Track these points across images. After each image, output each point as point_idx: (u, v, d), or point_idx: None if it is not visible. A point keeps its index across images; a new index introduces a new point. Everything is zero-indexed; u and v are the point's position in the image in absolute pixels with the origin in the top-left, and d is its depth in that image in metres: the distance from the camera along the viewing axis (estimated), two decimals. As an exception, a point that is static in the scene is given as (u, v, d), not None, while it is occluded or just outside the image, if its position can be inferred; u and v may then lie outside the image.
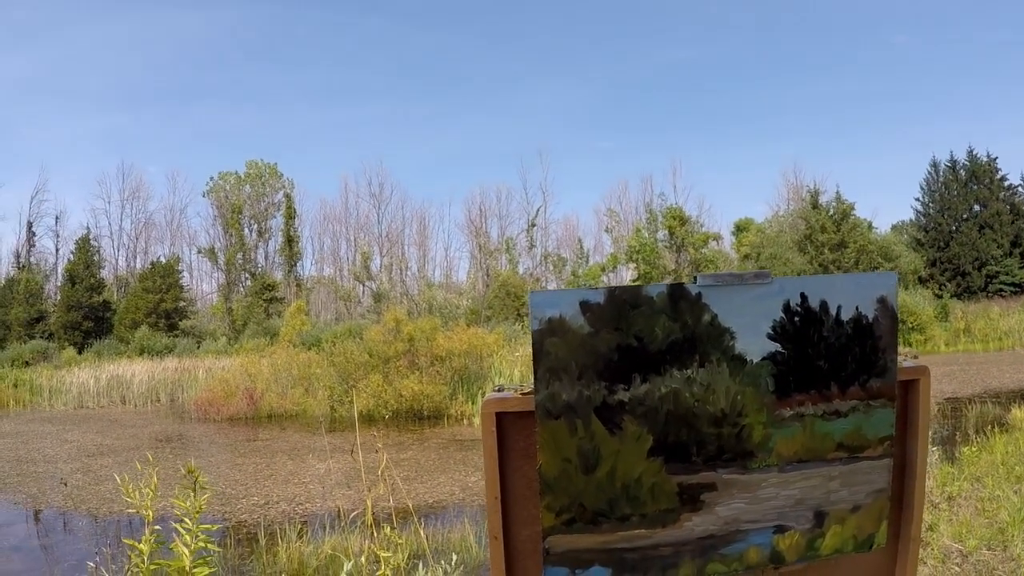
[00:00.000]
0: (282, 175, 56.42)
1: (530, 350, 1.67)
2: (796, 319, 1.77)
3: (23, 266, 53.13)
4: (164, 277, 48.66)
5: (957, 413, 14.78)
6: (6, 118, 77.06)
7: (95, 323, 47.05)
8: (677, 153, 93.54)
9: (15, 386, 30.03)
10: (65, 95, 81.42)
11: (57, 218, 57.51)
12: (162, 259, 53.38)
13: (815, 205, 46.97)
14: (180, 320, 48.00)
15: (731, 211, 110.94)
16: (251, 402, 22.01)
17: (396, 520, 6.21)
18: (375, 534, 4.30)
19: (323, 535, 7.97)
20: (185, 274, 56.44)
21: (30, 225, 55.61)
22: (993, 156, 50.67)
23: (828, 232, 44.53)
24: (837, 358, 1.80)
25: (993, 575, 5.25)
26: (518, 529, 1.84)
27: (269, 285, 51.33)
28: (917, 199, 53.16)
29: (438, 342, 21.37)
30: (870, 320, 1.82)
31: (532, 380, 1.68)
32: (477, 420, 1.71)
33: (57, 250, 56.73)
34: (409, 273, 60.93)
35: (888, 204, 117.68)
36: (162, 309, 46.64)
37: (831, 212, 45.78)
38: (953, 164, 51.82)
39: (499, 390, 1.85)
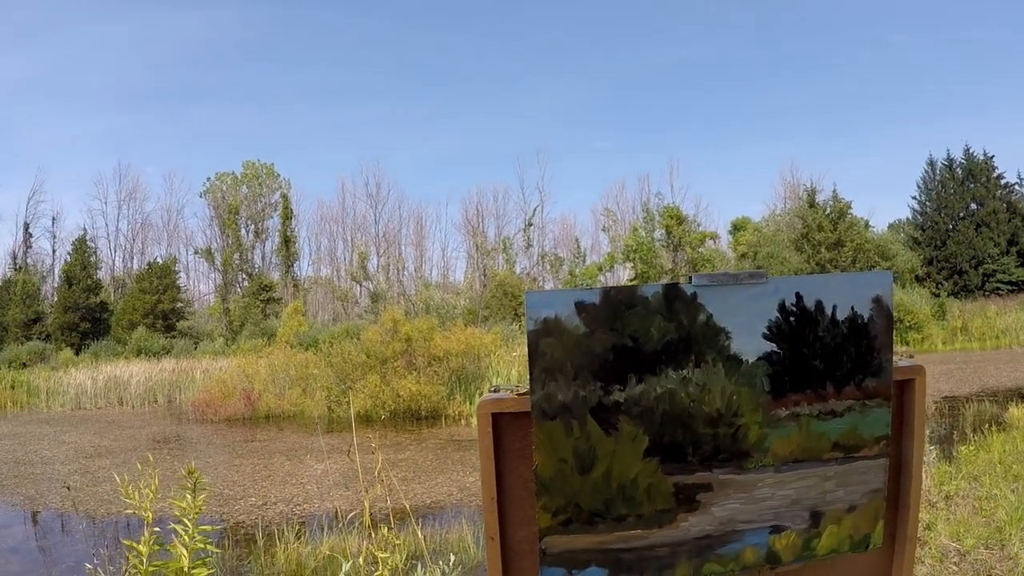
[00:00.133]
0: (279, 175, 56.49)
1: (527, 350, 1.67)
2: (791, 319, 1.77)
3: (20, 267, 53.05)
4: (161, 278, 48.66)
5: (954, 412, 14.80)
6: (3, 118, 77.05)
7: (92, 324, 47.04)
8: (674, 152, 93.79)
9: (12, 388, 30.02)
10: (62, 95, 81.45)
11: (54, 219, 57.63)
12: (159, 260, 53.39)
13: (812, 204, 47.06)
14: (177, 321, 48.01)
15: (728, 210, 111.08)
16: (248, 403, 21.99)
17: (394, 521, 6.21)
18: (373, 535, 4.29)
19: (321, 536, 7.95)
20: (182, 275, 56.57)
21: (27, 226, 55.60)
22: (990, 154, 50.83)
23: (825, 231, 44.60)
24: (832, 358, 1.80)
25: (991, 574, 5.25)
26: (514, 530, 1.84)
27: (266, 286, 51.33)
28: (914, 198, 53.38)
29: (435, 342, 21.36)
30: (865, 319, 1.82)
31: (528, 380, 1.69)
32: (475, 420, 1.71)
33: (54, 251, 56.81)
34: (406, 273, 61.04)
35: (885, 203, 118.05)
36: (159, 310, 46.63)
37: (828, 211, 45.85)
38: (950, 163, 51.91)
39: (495, 391, 1.84)
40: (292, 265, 55.07)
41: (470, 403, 19.45)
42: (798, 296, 1.78)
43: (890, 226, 56.33)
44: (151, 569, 3.26)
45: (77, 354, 39.68)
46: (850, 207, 45.72)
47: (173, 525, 3.33)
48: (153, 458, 3.96)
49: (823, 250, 43.98)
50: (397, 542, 4.28)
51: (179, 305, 50.00)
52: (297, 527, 8.48)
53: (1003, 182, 50.34)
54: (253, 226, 55.75)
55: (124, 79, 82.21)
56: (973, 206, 50.00)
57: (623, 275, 51.59)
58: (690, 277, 1.73)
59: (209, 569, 3.36)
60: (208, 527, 3.47)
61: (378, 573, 3.87)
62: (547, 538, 1.70)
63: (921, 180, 52.96)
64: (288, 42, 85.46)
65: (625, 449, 1.70)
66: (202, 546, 3.36)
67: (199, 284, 62.38)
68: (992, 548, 5.72)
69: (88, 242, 51.60)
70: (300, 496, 11.09)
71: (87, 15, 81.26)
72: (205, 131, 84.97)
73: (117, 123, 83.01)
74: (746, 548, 1.80)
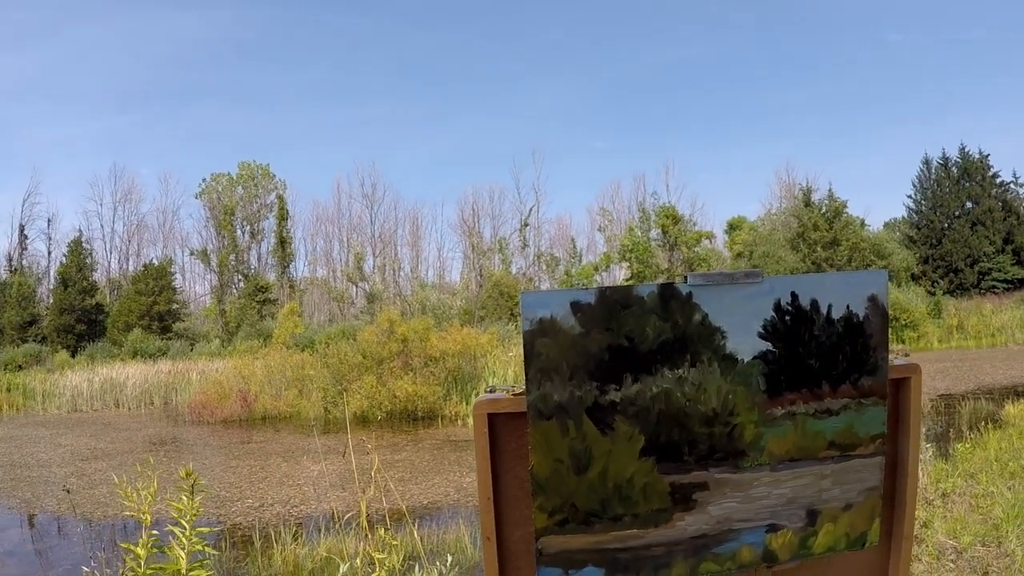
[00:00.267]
0: (274, 176, 56.43)
1: (523, 350, 1.67)
2: (787, 318, 1.77)
3: (15, 269, 52.92)
4: (157, 279, 48.56)
5: (950, 410, 14.84)
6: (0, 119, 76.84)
7: (88, 326, 46.95)
8: (673, 152, 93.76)
9: (8, 390, 29.98)
10: (57, 96, 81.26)
11: (49, 221, 57.44)
12: (155, 261, 53.31)
13: (808, 203, 47.15)
14: (173, 322, 47.94)
15: (724, 210, 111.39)
16: (245, 404, 21.97)
17: (391, 522, 6.20)
18: (370, 536, 4.29)
19: (318, 537, 7.95)
20: (178, 276, 56.49)
21: (22, 228, 55.49)
22: (985, 153, 50.91)
23: (821, 230, 44.68)
24: (828, 357, 1.80)
25: (988, 571, 5.27)
26: (511, 530, 1.84)
27: (262, 287, 51.31)
28: (909, 196, 53.39)
29: (432, 343, 21.35)
30: (861, 318, 1.82)
31: (524, 381, 1.69)
32: (471, 421, 1.71)
33: (49, 253, 56.70)
34: (402, 274, 61.04)
35: (881, 202, 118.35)
36: (155, 311, 46.54)
37: (824, 210, 45.94)
38: (945, 161, 51.98)
39: (491, 391, 1.85)
40: (288, 266, 55.09)
41: (466, 404, 19.45)
42: (793, 295, 1.78)
43: (886, 225, 56.45)
44: (149, 572, 3.26)
45: (73, 356, 39.60)
46: (846, 206, 45.84)
47: (170, 527, 3.33)
48: (151, 460, 3.96)
49: (819, 249, 44.05)
50: (394, 543, 4.28)
51: (175, 307, 49.91)
52: (294, 528, 8.48)
53: (998, 181, 50.45)
54: (249, 227, 55.70)
55: (120, 80, 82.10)
56: (968, 205, 50.09)
57: (619, 275, 51.67)
58: (685, 277, 1.73)
59: (207, 571, 3.35)
60: (205, 529, 3.46)
61: (375, 574, 3.87)
62: (543, 538, 1.70)
63: (916, 179, 53.11)
64: (284, 42, 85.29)
65: (621, 449, 1.70)
66: (199, 548, 3.35)
67: (195, 285, 62.42)
68: (989, 545, 5.73)
69: (84, 244, 51.50)
70: (297, 497, 11.09)
71: (83, 16, 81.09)
72: (201, 132, 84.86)
73: (113, 124, 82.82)
74: (742, 547, 1.80)
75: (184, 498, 3.31)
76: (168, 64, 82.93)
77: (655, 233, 50.37)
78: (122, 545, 3.56)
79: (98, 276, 54.29)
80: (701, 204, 77.23)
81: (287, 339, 32.56)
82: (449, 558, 5.31)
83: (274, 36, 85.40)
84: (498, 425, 1.81)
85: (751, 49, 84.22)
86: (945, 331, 34.96)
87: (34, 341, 43.53)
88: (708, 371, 1.73)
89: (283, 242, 54.16)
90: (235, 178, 55.27)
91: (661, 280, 37.21)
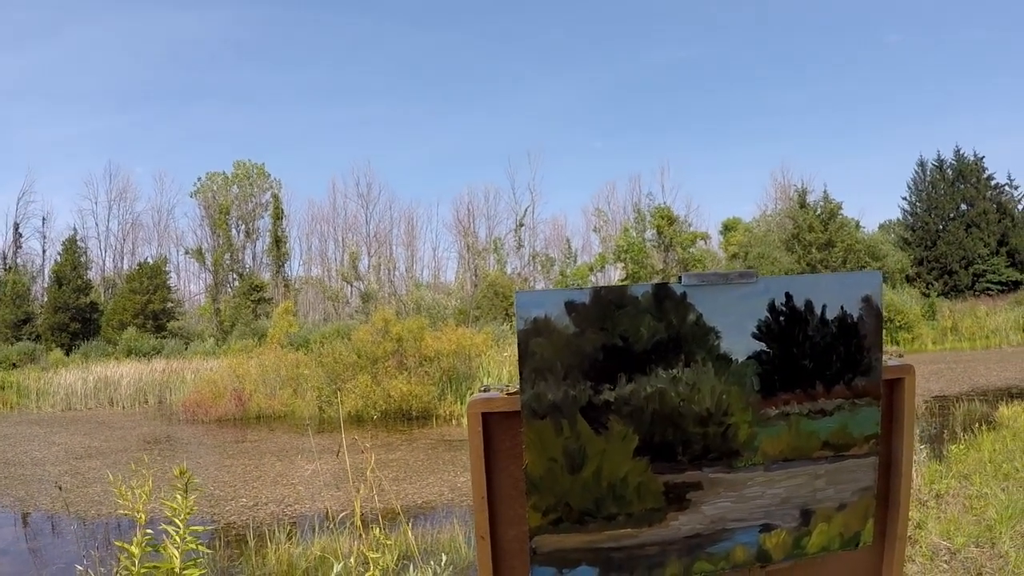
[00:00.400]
0: (270, 175, 56.33)
1: (517, 350, 1.67)
2: (781, 318, 1.77)
3: (10, 268, 52.79)
4: (151, 278, 48.43)
5: (944, 411, 14.85)
6: (-4, 119, 76.59)
7: (82, 325, 46.80)
8: (666, 153, 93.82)
9: (2, 388, 29.87)
10: (52, 96, 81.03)
11: (44, 219, 57.32)
12: (149, 260, 53.11)
13: (803, 204, 47.17)
14: (168, 321, 47.80)
15: (719, 211, 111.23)
16: (239, 403, 21.92)
17: (385, 521, 6.20)
18: (364, 535, 4.29)
19: (312, 536, 7.93)
20: (172, 275, 56.27)
21: (16, 226, 55.37)
22: (980, 155, 51.09)
23: (816, 231, 44.73)
24: (822, 357, 1.81)
25: (981, 573, 5.28)
26: (505, 529, 1.84)
27: (257, 286, 51.18)
28: (904, 198, 53.53)
29: (426, 342, 21.33)
30: (855, 319, 1.82)
31: (519, 380, 1.69)
32: (465, 420, 1.72)
33: (44, 251, 56.56)
34: (397, 273, 60.97)
35: (875, 203, 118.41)
36: (150, 310, 46.42)
37: (819, 211, 45.99)
38: (940, 163, 52.12)
39: (485, 390, 1.85)
40: (283, 265, 54.93)
41: (461, 403, 19.42)
42: (788, 296, 1.78)
43: (880, 226, 56.59)
44: (143, 570, 3.25)
45: (67, 355, 39.49)
46: (840, 208, 45.88)
47: (164, 526, 3.33)
48: (145, 459, 3.95)
49: (813, 250, 44.10)
50: (388, 542, 4.27)
51: (169, 305, 49.76)
52: (288, 528, 8.46)
53: (993, 183, 50.58)
54: (244, 226, 55.60)
55: (118, 80, 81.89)
56: (963, 206, 50.21)
57: (614, 275, 51.64)
58: (680, 277, 1.73)
59: (200, 570, 3.35)
60: (199, 528, 3.46)
61: (369, 573, 3.87)
62: (537, 537, 1.71)
63: (911, 181, 53.24)
64: (283, 42, 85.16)
65: (615, 448, 1.70)
66: (193, 547, 3.35)
67: (189, 284, 62.28)
68: (982, 546, 5.74)
69: (78, 242, 51.34)
70: (291, 497, 11.07)
71: (83, 16, 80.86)
72: (199, 132, 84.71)
73: (108, 123, 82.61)
74: (736, 547, 1.81)
75: (178, 497, 3.30)
76: (167, 64, 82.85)
77: (650, 234, 50.36)
78: (116, 543, 3.55)
79: (93, 275, 54.15)
80: (696, 205, 77.19)
81: (282, 338, 32.48)
82: (443, 557, 5.31)
83: (273, 36, 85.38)
84: (492, 424, 1.81)
85: (750, 49, 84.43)
86: (939, 333, 35.03)
87: (28, 339, 43.38)
88: (702, 371, 1.73)
89: (278, 241, 54.04)
90: (230, 177, 55.17)
91: (655, 281, 37.27)
